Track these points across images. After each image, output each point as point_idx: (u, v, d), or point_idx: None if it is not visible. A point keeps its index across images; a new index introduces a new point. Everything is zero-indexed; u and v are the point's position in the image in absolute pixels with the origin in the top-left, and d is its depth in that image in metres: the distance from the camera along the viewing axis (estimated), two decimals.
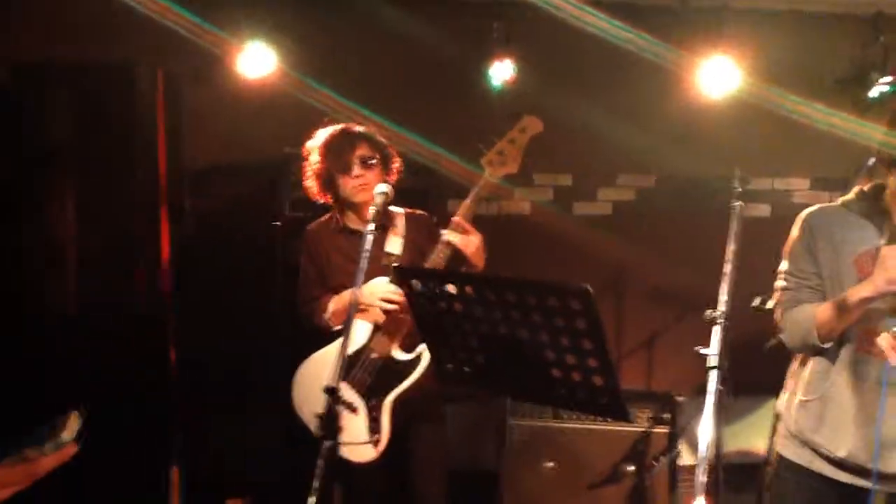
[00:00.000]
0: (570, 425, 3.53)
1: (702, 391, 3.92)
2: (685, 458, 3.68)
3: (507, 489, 3.55)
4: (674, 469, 3.61)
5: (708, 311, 1.92)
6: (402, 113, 3.65)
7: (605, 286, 4.24)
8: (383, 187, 2.44)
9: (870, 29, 3.90)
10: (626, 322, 4.26)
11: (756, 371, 4.38)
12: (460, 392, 3.35)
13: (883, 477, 2.12)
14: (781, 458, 2.34)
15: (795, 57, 4.00)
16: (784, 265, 2.29)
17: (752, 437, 4.22)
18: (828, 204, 2.27)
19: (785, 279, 2.28)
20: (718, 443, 2.03)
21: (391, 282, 2.67)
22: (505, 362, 1.98)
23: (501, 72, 3.76)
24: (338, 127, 2.84)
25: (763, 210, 4.22)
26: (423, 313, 2.04)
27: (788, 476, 2.31)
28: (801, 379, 2.29)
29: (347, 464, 2.65)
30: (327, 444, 2.16)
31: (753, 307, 3.67)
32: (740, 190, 2.18)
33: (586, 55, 3.95)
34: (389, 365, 2.70)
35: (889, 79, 3.78)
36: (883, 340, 1.94)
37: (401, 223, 2.87)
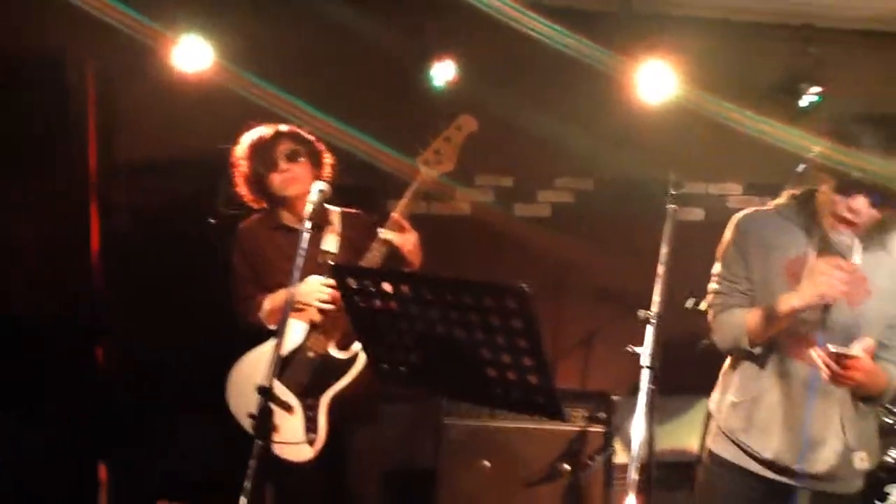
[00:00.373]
0: (507, 424, 3.55)
1: (637, 390, 3.99)
2: (620, 457, 3.74)
3: (444, 488, 3.54)
4: (609, 467, 3.66)
5: (641, 312, 1.95)
6: (344, 110, 3.62)
7: (543, 286, 4.26)
8: (320, 185, 2.42)
9: (800, 40, 4.02)
10: (564, 322, 4.30)
11: (690, 370, 4.47)
12: (397, 391, 3.34)
13: (808, 476, 2.19)
14: (712, 454, 2.41)
15: (730, 65, 4.10)
16: (717, 268, 2.34)
17: (686, 436, 4.31)
18: (760, 208, 2.31)
19: (717, 282, 2.33)
20: (651, 441, 2.07)
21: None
22: (441, 362, 1.98)
23: (443, 72, 3.77)
24: (261, 128, 2.85)
25: (697, 214, 4.31)
26: (357, 312, 2.02)
27: (719, 471, 2.38)
28: (731, 380, 2.35)
29: (283, 463, 2.63)
30: (259, 443, 2.13)
31: (687, 308, 3.76)
32: (675, 193, 2.21)
33: (528, 58, 3.98)
34: (326, 364, 2.69)
35: (818, 89, 3.89)
36: (815, 356, 1.98)
37: (337, 221, 2.86)
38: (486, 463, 3.58)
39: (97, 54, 3.37)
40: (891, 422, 3.48)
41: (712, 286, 2.35)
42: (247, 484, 2.09)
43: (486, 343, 1.87)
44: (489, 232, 4.06)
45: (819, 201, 2.13)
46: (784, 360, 2.21)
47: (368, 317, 2.02)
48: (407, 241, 2.64)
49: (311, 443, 2.63)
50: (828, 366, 1.96)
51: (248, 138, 2.85)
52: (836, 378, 1.98)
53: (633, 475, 1.82)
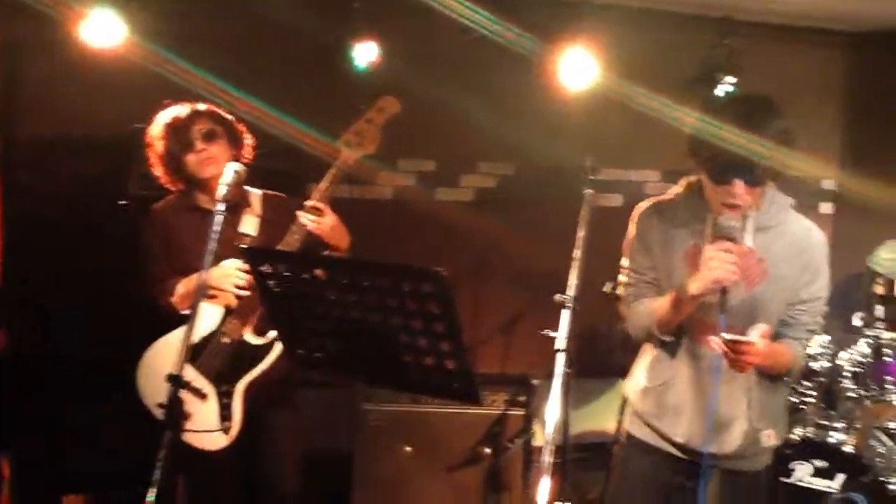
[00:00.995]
0: (427, 409, 3.55)
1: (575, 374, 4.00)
2: (539, 439, 3.79)
3: (363, 474, 3.53)
4: (528, 450, 3.70)
5: (557, 295, 1.96)
6: (265, 90, 3.55)
7: (465, 271, 4.28)
8: (235, 166, 2.35)
9: (717, 31, 4.11)
10: (485, 306, 4.32)
11: (608, 353, 4.57)
12: (316, 376, 3.29)
13: (718, 456, 2.26)
14: (629, 436, 2.46)
15: (650, 53, 4.17)
16: (625, 261, 2.38)
17: (604, 418, 4.39)
18: (659, 198, 2.35)
19: (626, 275, 2.37)
20: (566, 424, 2.10)
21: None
22: (357, 347, 1.96)
23: (366, 53, 3.71)
24: (177, 107, 2.76)
25: (616, 200, 4.38)
26: (271, 297, 1.98)
27: (633, 452, 2.43)
28: (644, 366, 2.40)
29: (196, 452, 2.56)
30: (169, 433, 2.06)
31: (605, 292, 3.82)
32: (592, 179, 2.23)
33: (452, 41, 3.96)
34: (242, 349, 2.62)
35: (733, 80, 3.99)
36: (715, 344, 2.02)
37: (257, 203, 2.79)
38: (407, 448, 3.58)
39: None
40: (796, 401, 3.63)
41: (621, 278, 2.39)
42: (156, 475, 2.02)
43: (404, 328, 1.86)
44: (412, 216, 4.04)
45: (705, 187, 2.17)
46: (692, 345, 2.25)
47: (283, 302, 1.98)
48: (324, 224, 2.58)
49: (226, 431, 2.57)
50: (725, 353, 2.00)
51: (163, 117, 2.75)
52: (734, 364, 2.02)
53: (548, 458, 1.82)
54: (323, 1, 3.78)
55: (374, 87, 3.69)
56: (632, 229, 2.35)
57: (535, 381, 3.72)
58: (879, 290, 3.83)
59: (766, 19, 4.36)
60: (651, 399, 2.35)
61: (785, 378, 2.29)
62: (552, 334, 1.95)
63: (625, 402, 3.64)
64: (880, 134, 4.58)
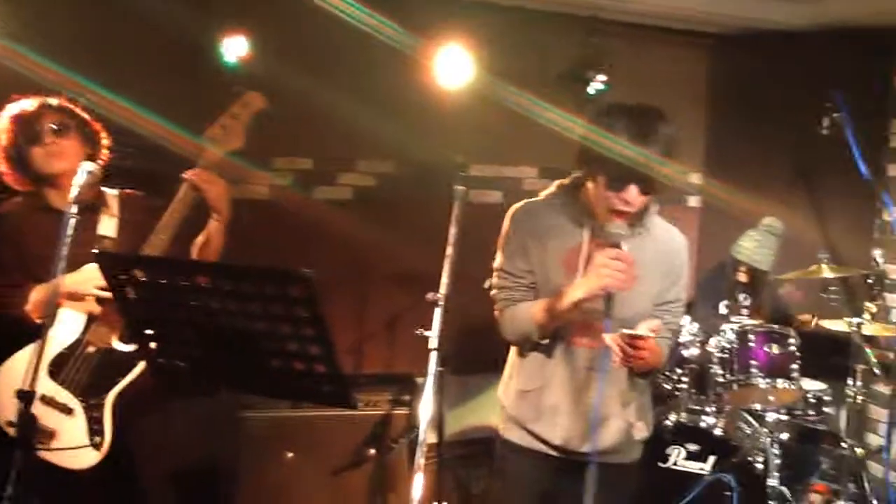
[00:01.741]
0: (309, 413, 3.48)
1: (444, 372, 3.99)
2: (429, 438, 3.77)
3: (245, 484, 3.42)
4: (413, 449, 3.67)
5: (430, 294, 1.94)
6: (128, 87, 3.37)
7: (347, 271, 4.21)
8: (88, 165, 2.21)
9: (588, 30, 4.21)
10: (368, 306, 4.28)
11: (493, 349, 4.60)
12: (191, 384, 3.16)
13: (596, 453, 2.29)
14: (505, 440, 2.45)
15: (525, 51, 4.23)
16: (499, 261, 2.37)
17: (488, 413, 4.42)
18: (534, 199, 2.37)
19: (502, 277, 2.35)
20: (441, 422, 2.08)
21: None
22: (223, 354, 1.87)
23: (234, 48, 3.58)
24: (25, 100, 2.59)
25: (495, 196, 4.42)
26: (129, 304, 1.86)
27: (510, 456, 2.44)
28: (519, 369, 2.41)
29: (62, 472, 2.40)
30: (21, 453, 1.92)
31: (486, 288, 3.84)
32: (463, 175, 2.22)
33: (327, 36, 3.89)
34: (110, 358, 2.47)
35: (603, 77, 4.10)
36: (609, 340, 2.05)
37: (114, 203, 2.64)
38: (290, 454, 3.50)
39: None
40: (669, 387, 3.77)
41: (496, 280, 2.37)
42: (9, 497, 1.88)
43: (271, 332, 1.79)
44: (289, 216, 3.93)
45: (591, 194, 2.20)
46: (568, 348, 2.28)
47: (141, 308, 1.87)
48: (215, 185, 2.50)
49: (96, 446, 2.41)
50: (622, 349, 2.04)
51: (9, 111, 2.58)
52: (628, 359, 2.06)
53: (421, 456, 1.80)
54: None
55: (244, 82, 3.58)
56: (507, 230, 2.35)
57: (419, 380, 3.70)
58: (742, 278, 4.03)
59: (632, 19, 4.50)
60: (527, 403, 2.35)
61: (654, 374, 2.37)
62: (426, 333, 1.93)
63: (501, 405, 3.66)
64: (740, 130, 4.83)
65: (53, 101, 2.61)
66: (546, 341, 2.27)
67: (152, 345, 1.94)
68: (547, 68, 4.29)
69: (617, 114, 2.08)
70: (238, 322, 1.80)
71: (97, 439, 2.43)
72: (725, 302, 4.16)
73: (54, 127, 2.53)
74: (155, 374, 2.01)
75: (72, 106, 2.64)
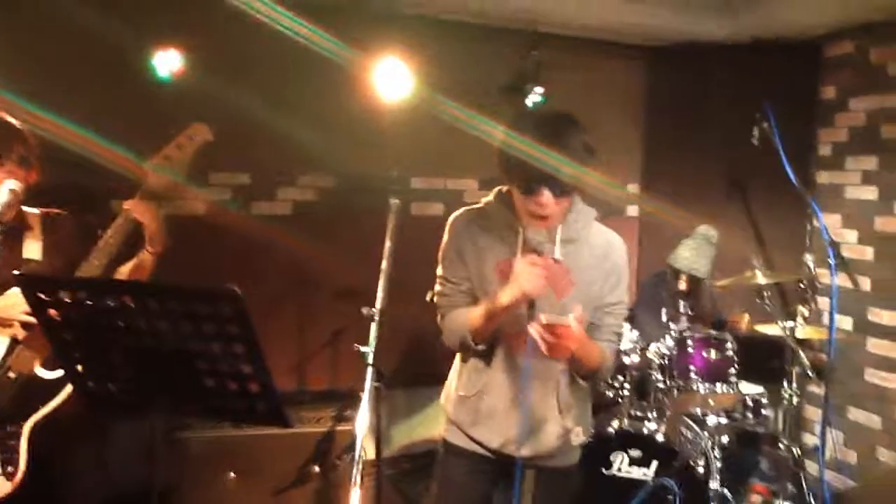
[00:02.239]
0: (250, 432, 3.41)
1: (388, 384, 3.97)
2: (370, 453, 3.74)
3: None
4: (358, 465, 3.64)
5: (365, 309, 1.92)
6: (58, 103, 3.29)
7: (288, 286, 4.17)
8: (10, 184, 2.14)
9: (526, 43, 4.25)
10: (310, 322, 4.23)
11: (436, 362, 4.59)
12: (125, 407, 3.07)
13: (533, 457, 2.31)
14: (446, 442, 2.48)
15: (463, 65, 4.24)
16: (440, 270, 2.39)
17: (434, 426, 4.40)
18: (472, 207, 2.38)
19: (441, 284, 2.38)
20: (379, 437, 2.07)
21: None
22: (155, 376, 1.83)
23: (167, 62, 3.52)
24: None
25: (437, 209, 4.42)
26: (53, 327, 1.80)
27: (452, 458, 2.46)
28: (460, 375, 2.43)
29: None
30: None
31: (429, 300, 3.84)
32: (399, 189, 2.22)
33: (264, 49, 3.84)
34: (31, 385, 2.39)
35: (541, 90, 4.14)
36: (532, 331, 2.06)
37: (37, 224, 2.55)
38: (231, 474, 3.43)
39: None
40: (611, 395, 3.80)
41: (437, 288, 2.39)
42: None
43: (203, 352, 1.76)
44: (227, 233, 3.86)
45: (516, 199, 2.23)
46: (506, 354, 2.30)
47: (67, 331, 1.81)
48: (152, 218, 2.44)
49: (8, 476, 2.32)
50: (543, 337, 2.04)
51: None
52: (552, 349, 2.05)
53: (358, 472, 1.78)
54: (120, 7, 3.54)
55: (179, 98, 3.53)
56: (445, 237, 2.37)
57: (363, 395, 3.66)
58: (682, 286, 4.10)
59: (570, 33, 4.56)
60: (466, 407, 2.38)
61: (595, 375, 2.38)
62: (363, 349, 1.91)
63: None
64: (676, 141, 4.92)
65: None
66: (483, 347, 2.27)
67: (80, 368, 1.89)
68: (487, 81, 4.31)
69: (528, 119, 2.12)
70: (168, 342, 1.77)
71: (9, 469, 2.35)
72: (666, 310, 4.24)
73: None
74: (83, 400, 1.94)
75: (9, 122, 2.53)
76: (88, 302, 1.74)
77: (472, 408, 2.36)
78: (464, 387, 2.39)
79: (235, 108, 3.58)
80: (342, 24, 3.80)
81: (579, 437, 2.37)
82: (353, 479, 1.74)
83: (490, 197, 2.36)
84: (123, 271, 2.51)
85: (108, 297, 1.73)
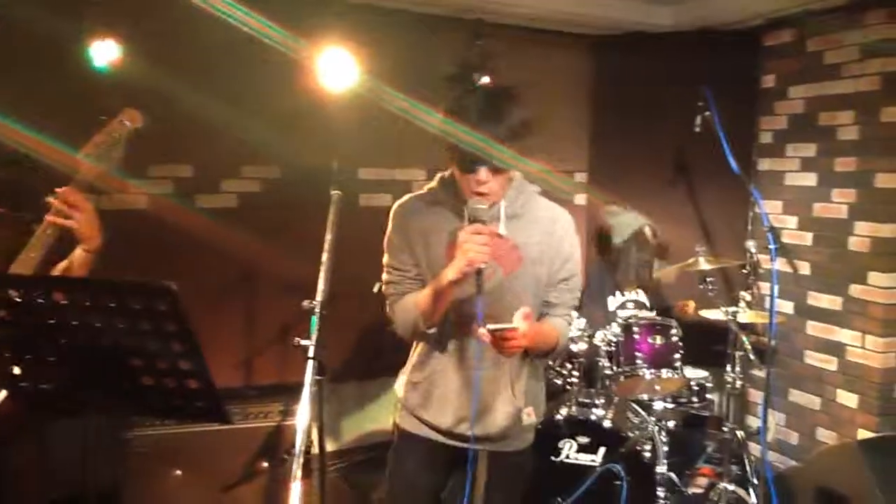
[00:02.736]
0: (196, 429, 3.35)
1: (336, 378, 3.98)
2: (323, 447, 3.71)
3: None
4: (308, 459, 3.61)
5: (306, 302, 1.90)
6: None
7: (234, 281, 4.11)
8: None
9: (471, 33, 4.24)
10: (258, 316, 4.17)
11: (386, 353, 4.58)
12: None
13: (485, 439, 2.33)
14: (399, 429, 2.49)
15: (408, 54, 4.21)
16: (386, 258, 2.38)
17: (385, 418, 4.39)
18: (415, 194, 2.38)
19: (388, 272, 2.37)
20: (321, 429, 2.05)
21: None
22: (91, 374, 1.78)
23: (104, 52, 3.42)
24: None
25: (386, 199, 4.40)
26: None
27: (405, 443, 2.47)
28: (413, 361, 2.44)
29: None
30: None
31: (376, 291, 3.82)
32: (342, 179, 2.20)
33: (204, 38, 3.76)
34: None
35: (486, 79, 4.14)
36: (482, 335, 2.07)
37: None
38: (178, 472, 3.38)
39: None
40: (560, 382, 3.84)
41: (384, 277, 2.38)
42: None
43: (139, 349, 1.72)
44: (169, 227, 3.78)
45: (458, 179, 2.23)
46: (456, 337, 2.31)
47: None
48: (76, 220, 2.33)
49: None
50: (493, 343, 2.07)
51: None
52: (502, 351, 2.09)
53: (297, 466, 1.76)
54: None
55: (118, 89, 3.43)
56: (390, 225, 2.36)
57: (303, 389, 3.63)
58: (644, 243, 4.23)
59: (516, 22, 4.57)
60: (418, 392, 2.39)
61: (550, 355, 2.39)
62: (304, 342, 1.89)
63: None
64: (622, 129, 4.97)
65: None
66: (433, 331, 2.28)
67: (13, 368, 1.83)
68: (433, 71, 4.29)
69: (467, 97, 2.12)
70: (103, 339, 1.72)
71: None
72: (612, 298, 4.30)
73: None
74: (17, 400, 1.88)
75: None
76: (18, 300, 1.69)
77: (423, 391, 2.37)
78: (416, 372, 2.40)
79: (176, 99, 3.51)
80: (285, 13, 3.74)
81: (530, 416, 2.38)
82: (293, 474, 1.72)
83: (434, 183, 2.36)
84: (58, 268, 2.43)
85: (39, 293, 1.68)
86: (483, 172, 2.07)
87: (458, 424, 2.33)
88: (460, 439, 2.34)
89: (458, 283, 2.11)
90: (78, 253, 2.41)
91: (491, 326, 2.04)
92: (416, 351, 2.44)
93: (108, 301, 1.64)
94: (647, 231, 4.33)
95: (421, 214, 2.31)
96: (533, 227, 2.29)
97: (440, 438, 2.38)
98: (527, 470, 2.57)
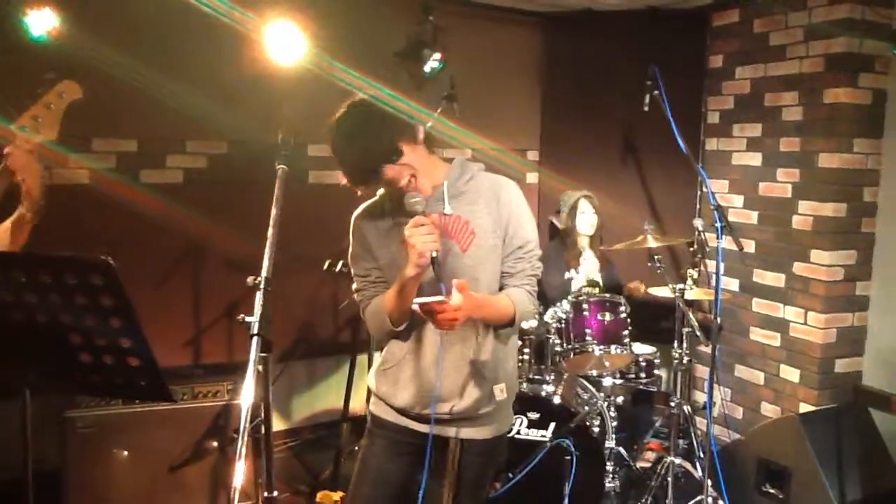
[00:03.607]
0: (142, 408, 3.30)
1: (286, 356, 3.93)
2: (276, 424, 3.69)
3: (73, 489, 3.21)
4: (257, 438, 3.58)
5: (250, 279, 1.86)
6: None
7: (180, 257, 4.03)
8: None
9: (422, 8, 4.19)
10: (205, 294, 4.11)
11: (336, 331, 4.56)
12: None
13: (457, 421, 2.34)
14: (372, 415, 2.48)
15: (358, 30, 4.15)
16: (352, 269, 2.40)
17: (335, 397, 4.39)
18: (372, 200, 2.39)
19: (357, 281, 2.39)
20: (267, 408, 2.02)
21: None
22: (25, 351, 1.73)
23: (41, 21, 3.30)
24: None
25: (335, 177, 4.35)
26: None
27: (376, 431, 2.46)
28: (384, 352, 2.45)
29: None
30: None
31: (325, 269, 3.80)
32: (284, 154, 2.16)
33: (147, 8, 3.67)
34: None
35: (438, 56, 4.11)
36: (415, 311, 2.10)
37: None
38: (124, 452, 3.32)
39: None
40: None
41: (354, 286, 2.41)
42: None
43: (75, 326, 1.67)
44: (113, 202, 3.68)
45: None
46: (423, 324, 2.29)
47: None
48: (29, 172, 2.25)
49: None
50: (427, 317, 2.08)
51: None
52: (438, 324, 2.08)
53: (241, 445, 1.73)
54: None
55: (56, 59, 3.32)
56: (350, 237, 2.39)
57: (260, 368, 3.59)
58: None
59: None
60: (387, 379, 2.40)
61: (512, 325, 2.35)
62: (248, 319, 1.85)
63: (351, 380, 3.62)
64: (573, 107, 5.00)
65: None
66: (402, 326, 2.29)
67: None
68: (383, 47, 4.25)
69: (336, 121, 2.23)
70: (39, 316, 1.67)
71: None
72: (569, 272, 4.35)
73: None
74: None
75: None
76: None
77: (393, 377, 2.38)
78: (385, 360, 2.41)
79: (119, 71, 3.41)
80: None
81: (503, 393, 2.38)
82: (237, 453, 1.69)
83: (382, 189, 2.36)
84: (5, 227, 2.35)
85: None
86: (385, 170, 2.11)
87: (427, 405, 2.32)
88: (428, 421, 2.32)
89: (418, 277, 2.14)
90: (24, 212, 2.33)
91: (419, 300, 2.05)
92: (386, 345, 2.45)
93: (43, 277, 1.59)
94: (584, 201, 4.39)
95: (375, 220, 2.33)
96: (479, 200, 2.31)
97: (412, 424, 2.37)
98: (499, 460, 2.59)
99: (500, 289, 2.34)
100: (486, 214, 2.29)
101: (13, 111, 2.35)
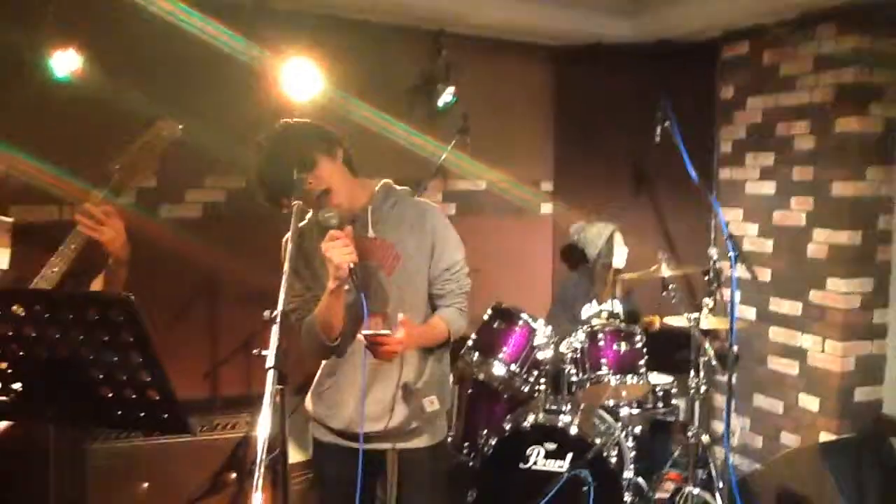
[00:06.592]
0: (162, 440, 3.33)
1: (304, 389, 3.94)
2: (292, 456, 3.69)
3: None
4: (275, 470, 3.59)
5: (266, 312, 1.91)
6: None
7: (199, 291, 4.09)
8: None
9: (434, 44, 4.27)
10: (224, 326, 4.15)
11: None
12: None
13: (391, 436, 2.38)
14: (315, 441, 2.53)
15: (372, 65, 4.23)
16: (285, 291, 2.39)
17: None
18: (300, 224, 2.39)
19: (293, 302, 2.38)
20: (284, 439, 2.05)
21: None
22: (48, 387, 1.77)
23: (65, 63, 3.40)
24: None
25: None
26: None
27: (320, 454, 2.52)
28: (318, 373, 2.49)
29: None
30: None
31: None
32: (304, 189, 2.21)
33: (167, 48, 3.75)
34: None
35: (452, 90, 4.18)
36: (362, 339, 2.14)
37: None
38: (144, 485, 3.34)
39: None
40: (527, 390, 3.84)
41: (290, 306, 2.38)
42: None
43: (97, 361, 1.71)
44: (133, 237, 3.72)
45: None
46: (352, 342, 2.34)
47: None
48: (104, 231, 2.29)
49: None
50: (368, 347, 2.14)
51: None
52: (378, 355, 2.15)
53: (258, 477, 1.76)
54: (15, 8, 3.41)
55: (77, 98, 3.43)
56: (282, 259, 2.39)
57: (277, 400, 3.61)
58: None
59: (478, 33, 4.61)
60: (323, 401, 2.44)
61: (448, 343, 2.44)
62: (265, 352, 1.89)
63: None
64: (586, 139, 5.04)
65: None
66: (338, 341, 2.31)
67: None
68: (396, 82, 4.32)
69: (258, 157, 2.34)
70: (61, 351, 1.71)
71: None
72: (588, 306, 4.35)
73: None
74: None
75: None
76: None
77: (328, 400, 2.42)
78: (321, 381, 2.46)
79: (139, 109, 3.49)
80: (250, 23, 3.75)
81: (433, 405, 2.42)
82: (254, 485, 1.71)
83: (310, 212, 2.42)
84: (97, 284, 2.40)
85: None
86: (300, 182, 2.18)
87: (354, 425, 2.35)
88: (366, 440, 2.33)
89: (339, 290, 2.17)
90: (109, 266, 2.36)
91: (366, 332, 2.10)
92: (321, 366, 2.49)
93: (66, 312, 1.63)
94: (618, 235, 4.41)
95: (300, 240, 2.35)
96: (403, 225, 2.37)
97: (349, 443, 2.38)
98: (441, 468, 2.59)
99: (433, 308, 2.41)
100: (410, 238, 2.36)
101: (108, 161, 2.40)
